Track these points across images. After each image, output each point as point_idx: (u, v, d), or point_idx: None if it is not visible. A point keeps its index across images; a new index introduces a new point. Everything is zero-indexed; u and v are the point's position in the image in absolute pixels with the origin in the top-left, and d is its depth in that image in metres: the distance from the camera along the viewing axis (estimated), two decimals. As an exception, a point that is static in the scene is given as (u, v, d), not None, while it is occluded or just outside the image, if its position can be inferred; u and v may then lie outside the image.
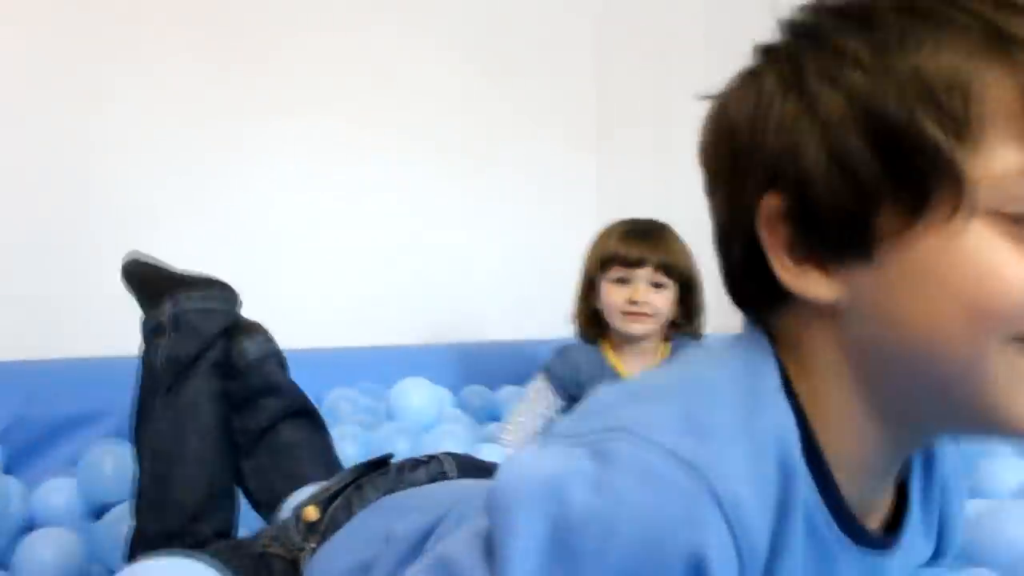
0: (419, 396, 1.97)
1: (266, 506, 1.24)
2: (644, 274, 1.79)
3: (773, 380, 0.56)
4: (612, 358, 1.86)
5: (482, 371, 2.42)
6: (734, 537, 0.49)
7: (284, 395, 1.31)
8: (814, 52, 0.55)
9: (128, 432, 1.23)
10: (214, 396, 1.24)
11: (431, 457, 1.01)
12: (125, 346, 1.43)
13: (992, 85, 0.50)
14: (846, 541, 0.57)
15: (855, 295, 0.54)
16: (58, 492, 1.52)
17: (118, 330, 1.45)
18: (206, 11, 2.26)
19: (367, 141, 2.53)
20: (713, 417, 0.52)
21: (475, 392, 2.27)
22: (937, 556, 0.69)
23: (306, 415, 1.33)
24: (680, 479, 0.49)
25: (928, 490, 0.66)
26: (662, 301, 1.80)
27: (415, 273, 2.65)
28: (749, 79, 0.58)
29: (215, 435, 1.22)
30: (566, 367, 1.85)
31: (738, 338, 0.60)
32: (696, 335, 1.88)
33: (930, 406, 0.55)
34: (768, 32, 0.59)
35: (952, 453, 0.67)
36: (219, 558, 0.93)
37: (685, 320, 1.86)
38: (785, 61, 0.56)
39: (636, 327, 1.80)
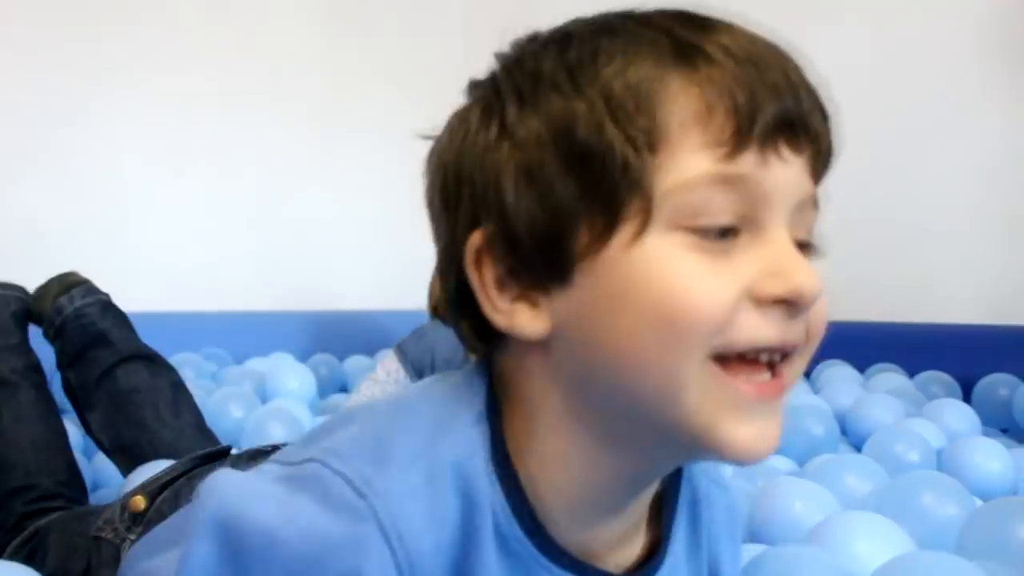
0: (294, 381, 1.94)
1: (120, 452, 1.27)
2: None
3: (473, 410, 0.54)
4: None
5: (330, 340, 2.43)
6: (396, 562, 0.49)
7: (114, 343, 1.33)
8: (513, 79, 0.54)
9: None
10: (26, 368, 1.29)
11: (274, 447, 0.94)
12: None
13: (677, 95, 0.50)
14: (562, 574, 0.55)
15: (559, 323, 0.52)
16: None
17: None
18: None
19: (223, 102, 2.48)
20: (396, 444, 0.52)
21: (322, 360, 2.27)
22: None
23: (142, 359, 1.33)
24: (349, 504, 0.50)
25: (695, 534, 0.62)
26: None
27: (267, 239, 2.61)
28: (460, 115, 0.57)
29: (31, 397, 1.25)
30: (420, 348, 1.85)
31: (464, 371, 0.58)
32: None
33: (642, 431, 0.52)
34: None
35: (722, 495, 0.65)
36: (42, 550, 0.93)
37: None
38: (490, 92, 0.55)
39: None
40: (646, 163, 0.49)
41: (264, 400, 1.82)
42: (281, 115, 2.65)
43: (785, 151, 0.51)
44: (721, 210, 0.49)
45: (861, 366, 2.06)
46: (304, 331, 2.43)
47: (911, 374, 1.98)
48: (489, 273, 0.53)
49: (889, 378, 1.91)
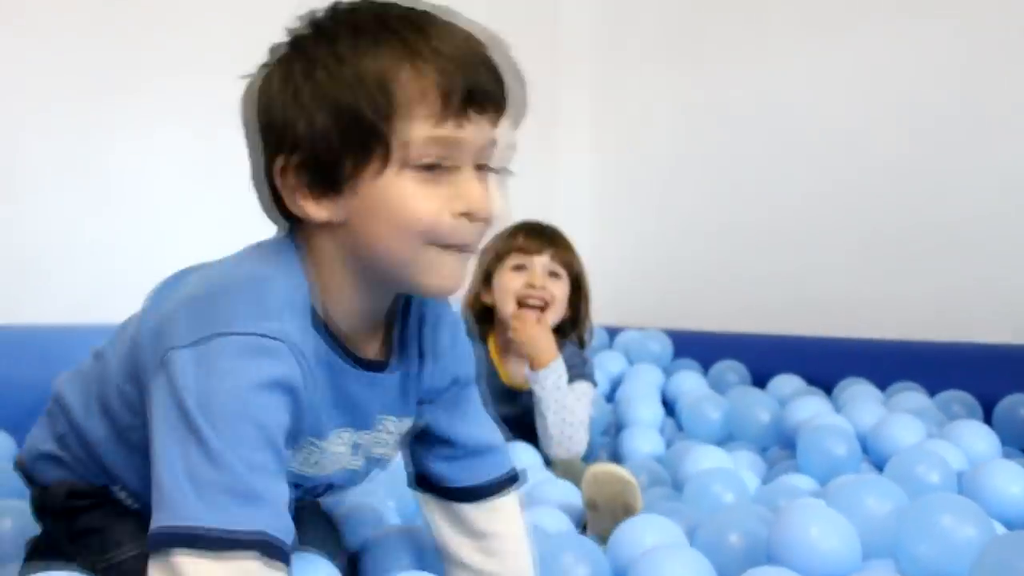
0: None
1: None
2: (542, 261, 1.85)
3: (299, 273, 0.87)
4: (496, 358, 1.89)
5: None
6: (301, 367, 0.81)
7: None
8: (300, 57, 0.83)
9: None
10: None
11: None
12: None
13: (406, 82, 0.81)
14: (348, 363, 0.90)
15: (335, 216, 0.84)
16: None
17: None
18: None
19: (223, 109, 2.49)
20: (271, 301, 0.82)
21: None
22: (465, 383, 1.05)
23: None
24: (269, 343, 0.79)
25: (406, 330, 0.97)
26: (559, 290, 1.85)
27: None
28: (265, 71, 0.86)
29: None
30: None
31: (267, 244, 0.90)
32: (581, 342, 1.94)
33: (387, 279, 0.88)
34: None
35: (447, 313, 1.02)
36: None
37: (571, 324, 1.91)
38: (286, 62, 0.84)
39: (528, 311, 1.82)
40: (384, 125, 0.81)
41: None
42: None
43: (473, 116, 0.83)
44: (432, 156, 0.82)
45: (881, 384, 2.07)
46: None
47: (931, 393, 1.99)
48: (290, 181, 0.84)
49: (910, 397, 1.92)
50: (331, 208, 0.84)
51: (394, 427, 0.98)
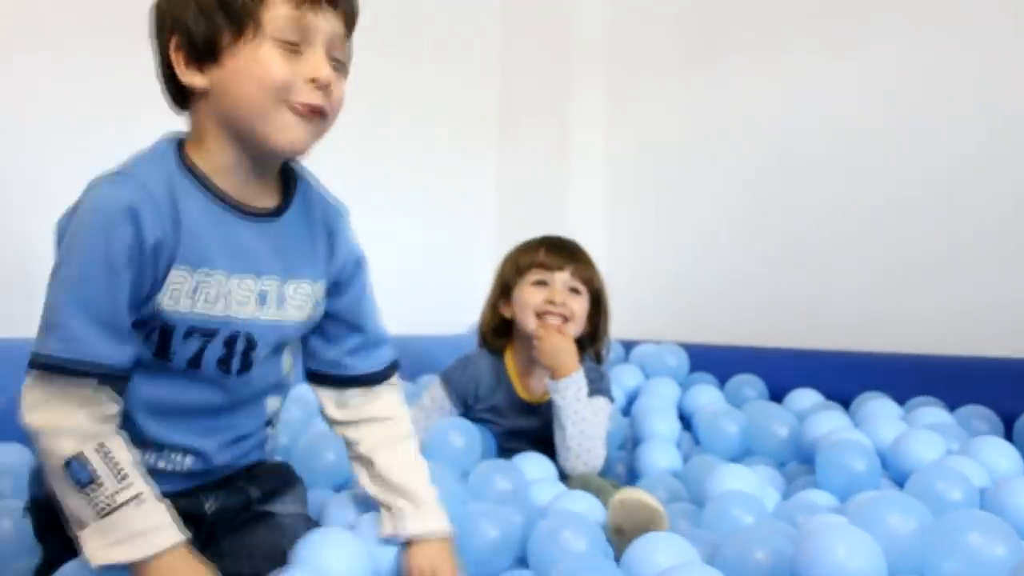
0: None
1: None
2: (562, 277, 1.85)
3: (167, 142, 1.10)
4: (512, 373, 1.89)
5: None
6: (145, 199, 1.01)
7: None
8: None
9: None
10: None
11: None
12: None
13: None
14: (230, 211, 1.09)
15: (213, 83, 1.06)
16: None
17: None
18: None
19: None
20: (129, 162, 1.06)
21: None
22: (364, 266, 1.28)
23: None
24: (117, 179, 1.02)
25: (308, 209, 1.19)
26: (578, 306, 1.85)
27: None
28: None
29: None
30: (464, 378, 1.88)
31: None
32: (598, 358, 1.94)
33: (248, 135, 1.07)
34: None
35: (323, 197, 1.24)
36: None
37: (591, 339, 1.91)
38: None
39: (550, 322, 1.82)
40: (256, 6, 1.04)
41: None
42: (325, 144, 2.68)
43: (322, 9, 1.07)
44: (293, 35, 1.05)
45: (899, 398, 2.06)
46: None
47: (951, 408, 1.98)
48: (180, 58, 1.06)
49: (929, 412, 1.91)
50: (209, 76, 1.06)
51: (309, 290, 1.16)
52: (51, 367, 0.97)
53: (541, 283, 1.86)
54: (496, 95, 3.22)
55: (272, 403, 1.20)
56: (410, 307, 2.86)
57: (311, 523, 1.23)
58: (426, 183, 3.00)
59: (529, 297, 1.85)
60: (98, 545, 0.96)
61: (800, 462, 1.84)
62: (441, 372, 1.92)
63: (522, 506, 1.45)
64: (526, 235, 1.99)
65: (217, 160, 1.09)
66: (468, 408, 1.89)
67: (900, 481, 1.61)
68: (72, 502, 0.97)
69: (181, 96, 1.10)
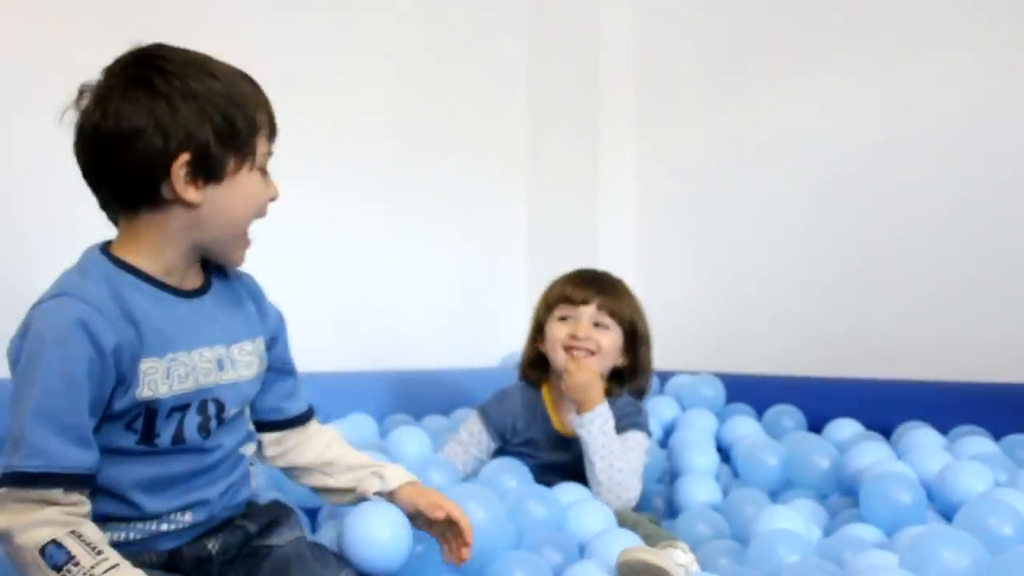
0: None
1: None
2: (588, 311, 1.83)
3: (94, 252, 1.14)
4: (549, 406, 1.88)
5: (407, 399, 2.44)
6: (91, 311, 1.06)
7: None
8: (156, 84, 1.11)
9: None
10: None
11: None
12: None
13: (260, 112, 1.16)
14: (169, 293, 1.15)
15: (206, 199, 1.13)
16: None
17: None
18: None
19: (299, 164, 2.49)
20: (64, 281, 1.10)
21: (399, 420, 2.28)
22: (284, 325, 1.32)
23: None
24: (60, 299, 1.07)
25: (229, 284, 1.26)
26: (606, 340, 1.83)
27: (340, 298, 2.64)
28: (104, 103, 1.11)
29: None
30: (502, 411, 1.88)
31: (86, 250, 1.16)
32: (640, 392, 1.91)
33: (212, 248, 1.18)
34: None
35: (241, 275, 1.29)
36: None
37: (630, 372, 1.88)
38: (138, 92, 1.10)
39: (576, 356, 1.80)
40: (253, 140, 1.16)
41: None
42: (355, 175, 2.69)
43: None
44: (265, 165, 1.19)
45: (943, 428, 2.02)
46: (380, 390, 2.44)
47: (996, 436, 1.94)
48: (183, 172, 1.10)
49: (975, 442, 1.87)
50: (203, 193, 1.12)
51: (252, 348, 1.25)
52: (20, 480, 1.02)
53: (566, 318, 1.85)
54: (525, 122, 3.21)
55: (248, 449, 1.29)
56: (442, 341, 2.87)
57: (313, 545, 1.28)
58: (456, 214, 3.00)
59: (556, 332, 1.84)
60: None
61: (842, 494, 1.81)
62: (479, 406, 1.91)
63: (560, 542, 1.44)
64: (557, 265, 1.98)
65: (160, 262, 1.15)
66: (505, 442, 1.87)
67: (946, 514, 1.58)
68: None
69: (132, 202, 1.13)
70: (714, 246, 2.94)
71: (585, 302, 1.84)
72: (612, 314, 1.84)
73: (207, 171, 1.11)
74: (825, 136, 2.66)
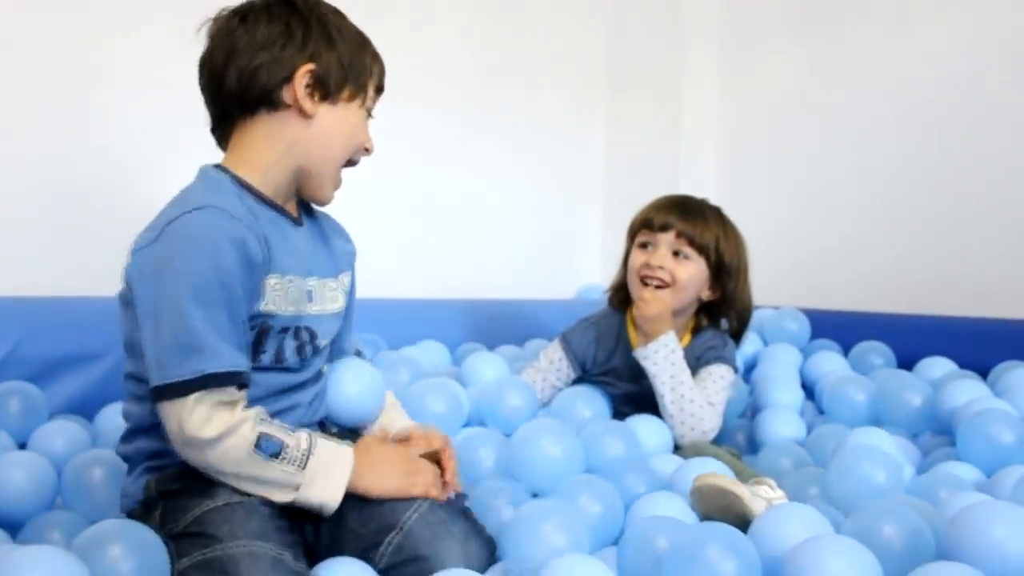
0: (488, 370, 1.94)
1: None
2: (666, 239, 1.75)
3: (216, 171, 1.19)
4: (632, 333, 1.81)
5: (480, 329, 2.41)
6: (239, 222, 1.11)
7: None
8: (316, 24, 1.20)
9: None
10: None
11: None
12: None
13: (374, 65, 1.25)
14: (288, 220, 1.21)
15: (317, 119, 1.18)
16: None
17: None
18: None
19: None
20: (194, 194, 1.14)
21: (471, 349, 2.26)
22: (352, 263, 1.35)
23: None
24: (205, 211, 1.10)
25: (320, 225, 1.32)
26: (683, 271, 1.74)
27: (415, 227, 2.63)
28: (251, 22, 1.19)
29: None
30: (585, 340, 1.83)
31: (203, 169, 1.21)
32: (736, 330, 1.83)
33: (306, 177, 1.22)
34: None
35: (325, 214, 1.34)
36: None
37: (717, 306, 1.80)
38: (289, 24, 1.19)
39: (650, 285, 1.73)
40: (367, 80, 1.23)
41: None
42: (433, 103, 2.65)
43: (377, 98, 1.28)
44: (371, 110, 1.26)
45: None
46: (454, 319, 2.42)
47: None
48: (305, 81, 1.17)
49: (1077, 381, 1.76)
50: (318, 108, 1.18)
51: (339, 283, 1.30)
52: (211, 381, 1.07)
53: (645, 245, 1.78)
54: (606, 55, 3.13)
55: (326, 367, 1.34)
56: (519, 271, 2.83)
57: None
58: (535, 147, 2.95)
59: (634, 259, 1.78)
60: (322, 488, 1.12)
61: (935, 433, 1.73)
62: (561, 333, 1.87)
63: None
64: (634, 200, 1.91)
65: (269, 180, 1.20)
66: (585, 371, 1.83)
67: (1049, 456, 1.50)
68: (273, 474, 1.10)
69: (252, 104, 1.18)
70: (798, 180, 2.84)
71: (664, 228, 1.75)
72: (692, 243, 1.75)
73: (325, 88, 1.18)
74: (913, 71, 2.53)
